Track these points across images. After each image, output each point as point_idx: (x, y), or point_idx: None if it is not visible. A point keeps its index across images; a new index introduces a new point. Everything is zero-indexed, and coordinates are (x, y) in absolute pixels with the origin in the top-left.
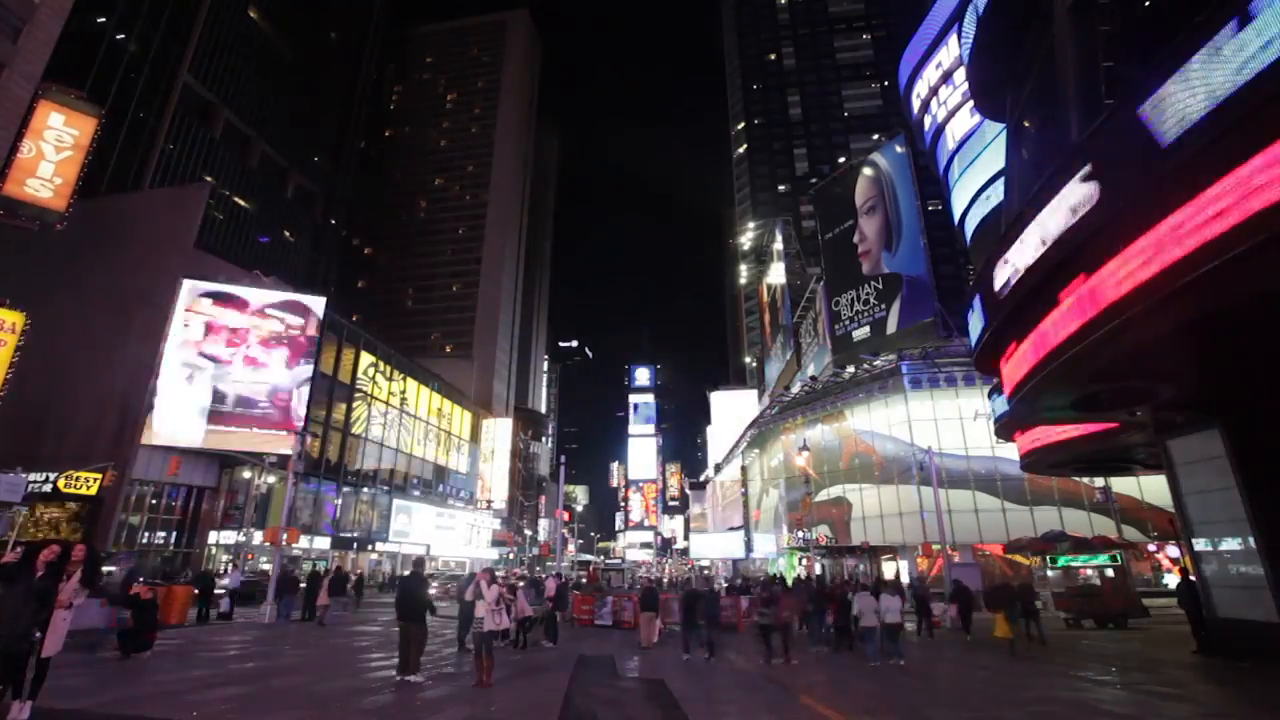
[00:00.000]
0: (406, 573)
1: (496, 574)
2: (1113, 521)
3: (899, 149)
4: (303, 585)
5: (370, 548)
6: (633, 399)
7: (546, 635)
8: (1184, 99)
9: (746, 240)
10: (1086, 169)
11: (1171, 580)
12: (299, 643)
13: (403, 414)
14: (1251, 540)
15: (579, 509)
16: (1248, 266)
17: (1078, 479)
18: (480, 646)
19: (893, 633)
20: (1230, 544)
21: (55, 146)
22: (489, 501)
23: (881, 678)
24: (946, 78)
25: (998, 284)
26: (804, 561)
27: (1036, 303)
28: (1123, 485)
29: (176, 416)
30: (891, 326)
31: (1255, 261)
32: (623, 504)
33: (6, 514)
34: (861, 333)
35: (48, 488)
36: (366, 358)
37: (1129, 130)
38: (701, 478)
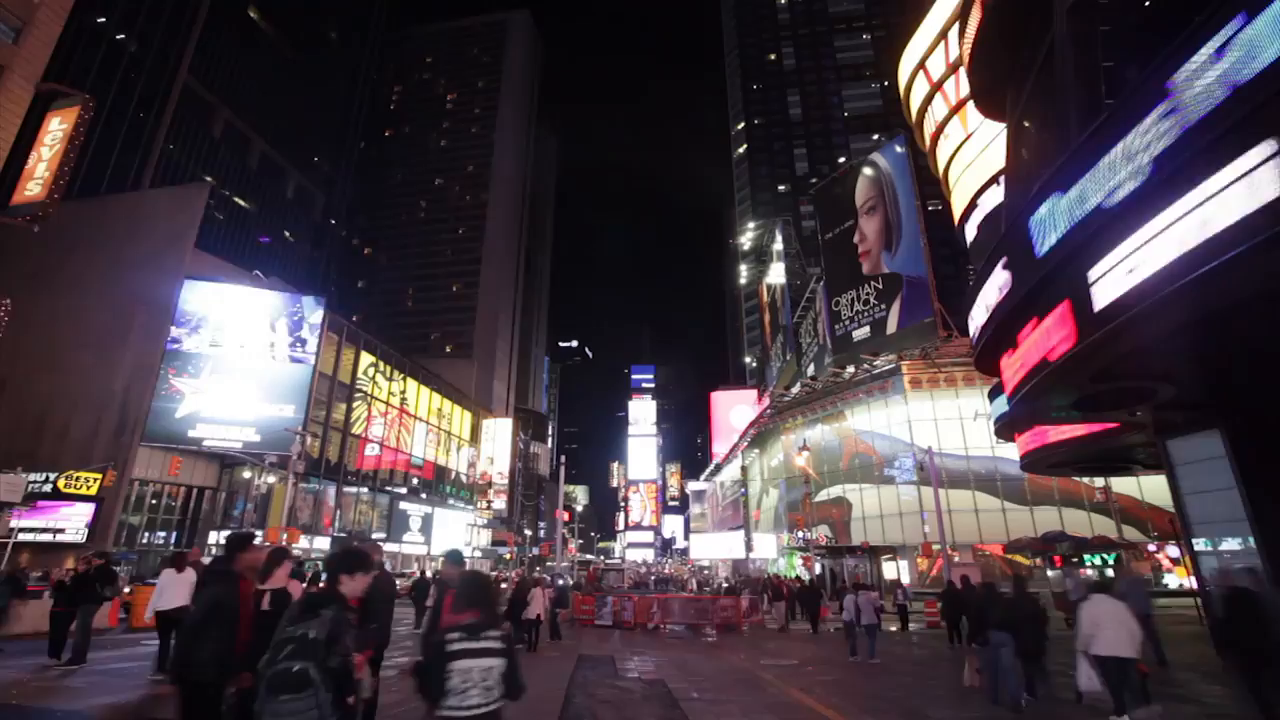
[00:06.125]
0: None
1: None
2: (1113, 521)
3: (899, 149)
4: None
5: None
6: (632, 399)
7: (551, 634)
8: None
9: (746, 240)
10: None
11: (1172, 580)
12: None
13: (403, 414)
14: (1251, 540)
15: (579, 509)
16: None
17: (1078, 479)
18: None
19: (870, 631)
20: (1230, 544)
21: (49, 146)
22: (489, 502)
23: (882, 677)
24: (946, 77)
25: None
26: (804, 562)
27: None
28: (1123, 485)
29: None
30: (891, 326)
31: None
32: (623, 504)
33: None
34: (861, 333)
35: (48, 488)
36: (366, 358)
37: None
38: (701, 478)
